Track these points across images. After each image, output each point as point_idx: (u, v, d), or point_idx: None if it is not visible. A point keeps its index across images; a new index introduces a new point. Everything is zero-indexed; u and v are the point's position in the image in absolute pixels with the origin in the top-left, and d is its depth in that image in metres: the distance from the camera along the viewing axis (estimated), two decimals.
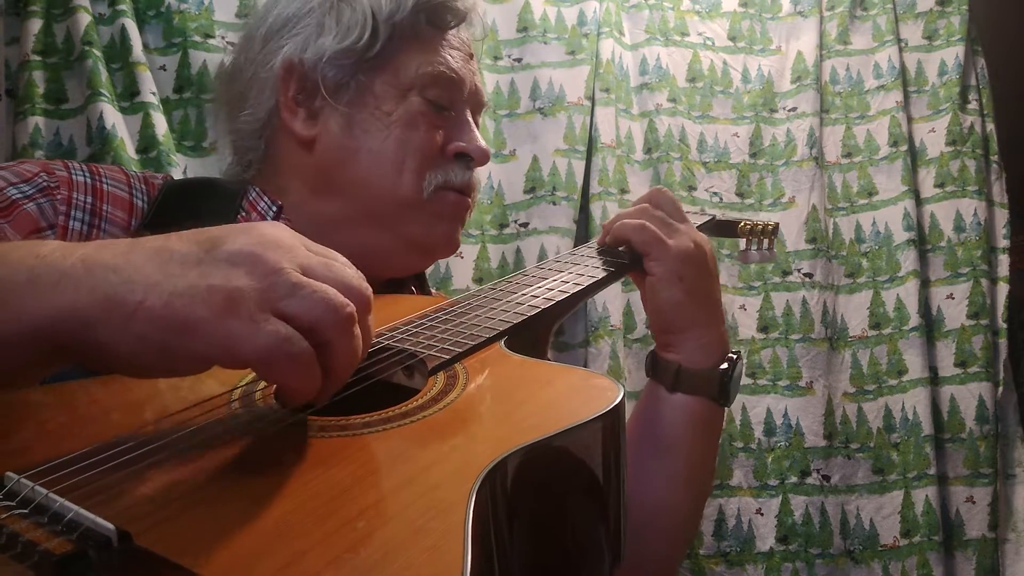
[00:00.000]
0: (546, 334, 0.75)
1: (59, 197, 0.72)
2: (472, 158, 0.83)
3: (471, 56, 0.86)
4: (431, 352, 0.59)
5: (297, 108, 0.82)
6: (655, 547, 0.78)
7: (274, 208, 0.81)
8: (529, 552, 0.46)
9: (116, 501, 0.39)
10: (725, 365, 0.80)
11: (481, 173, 1.61)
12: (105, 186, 0.75)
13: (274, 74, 0.81)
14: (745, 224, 0.99)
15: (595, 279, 0.77)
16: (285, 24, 0.83)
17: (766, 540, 1.61)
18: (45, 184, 0.72)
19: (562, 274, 0.78)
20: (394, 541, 0.38)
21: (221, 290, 0.43)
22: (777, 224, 0.98)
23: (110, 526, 0.36)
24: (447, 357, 0.58)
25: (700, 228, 0.97)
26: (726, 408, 0.83)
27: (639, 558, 0.73)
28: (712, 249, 0.84)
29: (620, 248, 0.84)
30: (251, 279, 0.44)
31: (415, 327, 0.65)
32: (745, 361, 1.69)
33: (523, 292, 0.73)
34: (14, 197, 0.70)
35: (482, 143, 0.84)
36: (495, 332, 0.63)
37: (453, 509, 0.39)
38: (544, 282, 0.76)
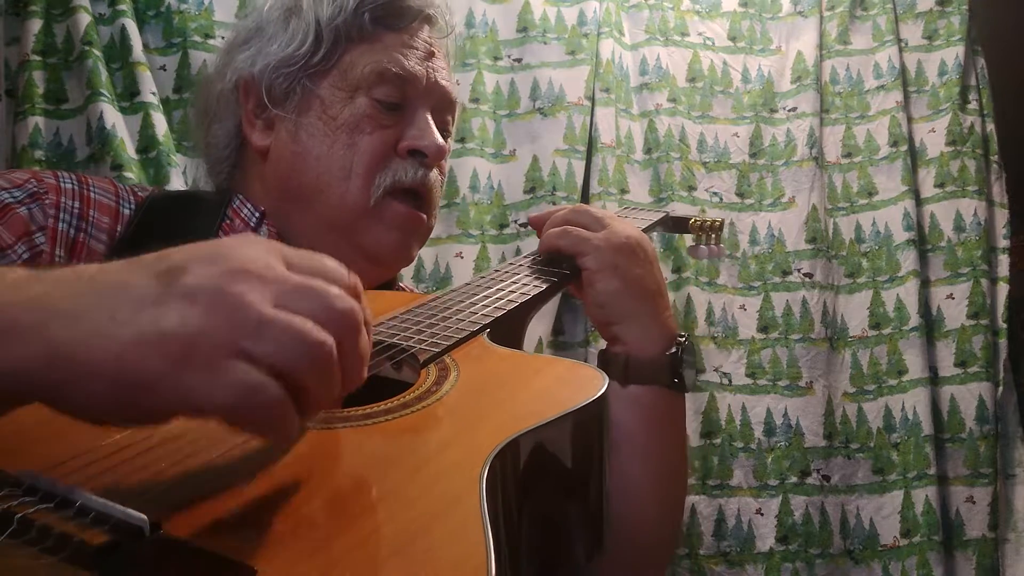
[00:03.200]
0: (521, 328, 0.78)
1: (47, 202, 0.75)
2: (425, 155, 0.83)
3: (432, 54, 0.86)
4: (420, 346, 0.60)
5: (255, 120, 0.84)
6: (626, 554, 0.76)
7: (256, 214, 0.84)
8: (531, 533, 0.47)
9: (137, 494, 0.40)
10: (674, 350, 0.79)
11: (481, 173, 1.64)
12: (92, 194, 0.79)
13: (234, 87, 0.85)
14: (695, 221, 1.02)
15: (556, 280, 0.79)
16: (247, 39, 0.86)
17: (766, 540, 1.61)
18: (35, 190, 0.76)
19: (529, 273, 0.81)
20: (415, 526, 0.39)
21: (176, 337, 0.37)
22: (723, 221, 1.00)
23: (142, 516, 0.36)
24: (437, 349, 0.60)
25: (655, 224, 1.01)
26: (684, 396, 0.82)
27: (617, 564, 0.72)
28: (648, 241, 0.84)
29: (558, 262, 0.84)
30: (210, 318, 0.38)
31: (398, 322, 0.66)
32: (739, 355, 1.69)
33: (498, 288, 0.76)
34: (6, 201, 0.74)
35: (437, 139, 0.83)
36: (479, 325, 0.65)
37: (466, 494, 0.41)
38: (516, 278, 0.79)
